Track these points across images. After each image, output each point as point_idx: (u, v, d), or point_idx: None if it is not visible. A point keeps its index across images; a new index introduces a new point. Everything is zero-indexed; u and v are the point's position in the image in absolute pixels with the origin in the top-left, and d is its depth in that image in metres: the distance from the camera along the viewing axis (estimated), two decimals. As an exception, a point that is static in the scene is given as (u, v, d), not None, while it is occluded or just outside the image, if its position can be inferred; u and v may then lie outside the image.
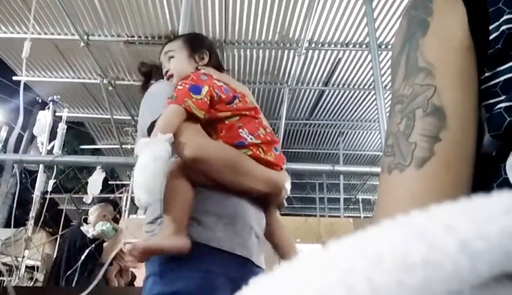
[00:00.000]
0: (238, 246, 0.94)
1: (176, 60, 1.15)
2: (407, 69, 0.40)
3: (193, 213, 0.92)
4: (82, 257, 2.55)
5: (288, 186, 1.07)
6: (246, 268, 0.96)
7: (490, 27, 0.38)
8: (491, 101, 0.37)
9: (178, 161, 0.95)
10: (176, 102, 0.95)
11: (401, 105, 0.38)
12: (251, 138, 0.98)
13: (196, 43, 1.20)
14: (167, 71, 1.14)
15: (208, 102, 0.98)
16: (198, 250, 0.89)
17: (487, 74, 0.38)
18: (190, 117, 0.95)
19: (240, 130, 0.99)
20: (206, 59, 1.17)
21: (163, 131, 0.89)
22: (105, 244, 2.69)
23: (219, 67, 1.21)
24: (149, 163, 0.84)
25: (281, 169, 1.06)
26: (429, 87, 0.37)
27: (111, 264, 2.69)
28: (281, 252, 1.07)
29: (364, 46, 4.00)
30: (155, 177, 0.83)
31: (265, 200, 1.04)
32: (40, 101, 4.89)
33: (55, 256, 2.94)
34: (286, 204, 1.11)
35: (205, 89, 0.99)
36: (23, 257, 3.25)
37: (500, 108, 0.35)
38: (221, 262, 0.91)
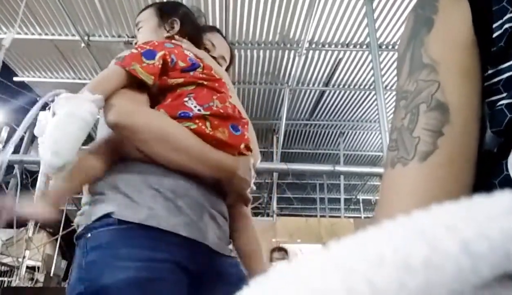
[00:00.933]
0: (184, 226, 0.77)
1: (144, 31, 1.06)
2: (412, 65, 0.41)
3: (124, 188, 0.79)
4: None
5: (246, 174, 0.88)
6: (202, 256, 0.80)
7: (494, 25, 0.38)
8: (493, 98, 0.37)
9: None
10: (121, 65, 0.82)
11: (406, 100, 0.39)
12: (198, 110, 0.83)
13: (165, 11, 1.08)
14: (135, 44, 1.04)
15: (160, 66, 0.84)
16: (120, 231, 0.73)
17: (490, 71, 0.38)
18: (136, 83, 0.83)
19: (186, 99, 0.84)
20: (177, 27, 1.05)
21: (92, 90, 0.77)
22: None
23: (196, 40, 1.09)
24: (65, 120, 0.73)
25: (241, 153, 0.89)
26: (433, 83, 0.38)
27: None
28: (242, 258, 0.94)
29: (364, 46, 4.00)
30: (67, 137, 0.72)
31: (219, 188, 0.88)
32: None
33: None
34: (250, 199, 0.96)
35: (159, 54, 0.86)
36: (24, 257, 3.25)
37: (501, 105, 0.36)
38: (158, 244, 0.74)
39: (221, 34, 1.27)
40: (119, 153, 0.83)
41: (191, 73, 0.89)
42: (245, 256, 0.95)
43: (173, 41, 1.01)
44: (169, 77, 0.87)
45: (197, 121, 0.82)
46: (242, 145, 0.89)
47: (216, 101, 0.87)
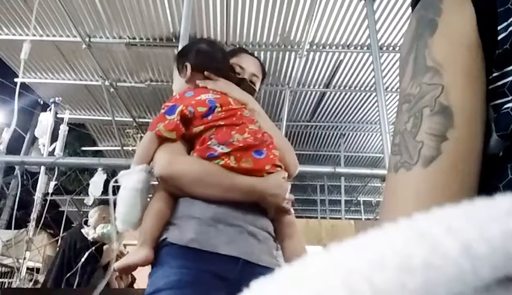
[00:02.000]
0: (223, 244, 0.93)
1: (174, 82, 1.21)
2: (415, 68, 0.40)
3: (173, 219, 0.97)
4: (82, 259, 2.55)
5: (276, 190, 1.01)
6: (241, 268, 0.94)
7: (499, 27, 0.37)
8: (498, 101, 0.37)
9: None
10: (150, 129, 1.02)
11: (409, 104, 0.38)
12: (221, 148, 0.97)
13: (180, 56, 1.21)
14: None
15: (179, 121, 1.00)
16: (171, 250, 0.93)
17: (495, 74, 0.38)
18: (168, 139, 1.01)
19: (209, 142, 0.99)
20: (187, 71, 1.15)
21: (138, 162, 1.00)
22: (105, 247, 2.69)
23: (219, 70, 1.17)
24: (123, 194, 0.98)
25: (269, 172, 1.01)
26: (436, 86, 0.37)
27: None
28: (287, 258, 1.04)
29: (365, 48, 4.01)
30: (128, 207, 0.97)
31: (258, 206, 1.02)
32: (41, 103, 4.90)
33: (54, 259, 2.93)
34: (289, 208, 1.07)
35: (178, 109, 1.01)
36: (24, 258, 3.25)
37: (507, 108, 0.35)
38: (199, 259, 0.91)
39: (247, 52, 1.34)
40: (175, 195, 1.01)
41: (209, 117, 1.02)
42: (288, 258, 1.02)
43: (191, 87, 1.13)
44: (194, 126, 1.02)
45: (223, 157, 0.97)
46: (268, 166, 1.01)
47: (236, 135, 1.00)
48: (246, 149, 0.99)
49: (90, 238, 2.69)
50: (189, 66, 1.15)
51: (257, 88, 1.30)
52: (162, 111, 1.03)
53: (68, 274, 2.53)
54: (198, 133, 1.02)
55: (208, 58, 1.18)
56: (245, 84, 1.23)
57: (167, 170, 0.98)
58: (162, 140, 1.01)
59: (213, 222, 0.95)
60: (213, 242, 0.93)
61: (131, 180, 0.97)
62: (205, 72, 1.15)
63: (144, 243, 0.95)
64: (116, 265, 0.97)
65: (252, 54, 1.34)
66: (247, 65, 1.28)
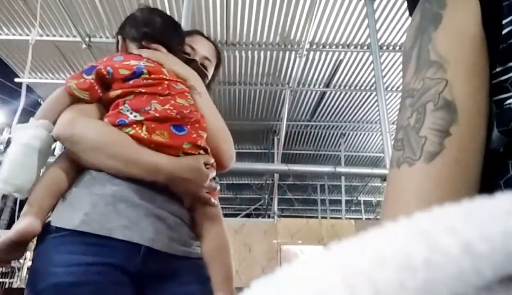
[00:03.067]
0: (121, 228, 0.78)
1: None
2: (419, 62, 0.39)
3: (67, 194, 0.82)
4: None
5: (188, 174, 0.86)
6: (144, 257, 0.79)
7: (504, 22, 0.37)
8: (501, 96, 0.36)
9: None
10: (64, 86, 0.88)
11: (412, 99, 0.38)
12: (134, 116, 0.84)
13: (116, 34, 1.11)
14: None
15: (93, 81, 0.87)
16: (55, 240, 0.76)
17: (498, 69, 0.37)
18: (81, 100, 0.87)
19: (122, 107, 0.86)
20: (119, 45, 1.07)
21: (39, 117, 0.85)
22: None
23: (160, 38, 1.05)
24: (12, 150, 0.80)
25: (187, 153, 0.88)
26: (440, 81, 0.37)
27: None
28: (206, 260, 0.90)
29: (365, 47, 4.01)
30: (15, 165, 0.79)
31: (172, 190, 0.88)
32: (42, 103, 4.90)
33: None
34: (209, 199, 0.92)
35: (95, 69, 0.89)
36: (25, 258, 3.25)
37: (509, 104, 0.35)
38: (90, 248, 0.75)
39: (203, 35, 1.24)
40: (78, 165, 0.86)
41: (131, 82, 0.89)
42: (206, 259, 0.90)
43: (124, 53, 1.02)
44: (112, 90, 0.89)
45: (134, 126, 0.84)
46: (187, 145, 0.87)
47: (155, 104, 0.87)
48: (163, 121, 0.85)
49: None
50: (120, 38, 1.06)
51: (209, 74, 1.18)
52: (81, 70, 0.91)
53: None
54: (114, 98, 0.88)
55: (143, 25, 1.05)
56: (193, 66, 1.10)
57: (65, 130, 0.83)
58: (74, 100, 0.87)
59: (113, 201, 0.80)
60: (109, 225, 0.77)
61: (25, 135, 0.80)
62: (143, 42, 1.03)
63: (26, 212, 0.78)
64: None
65: (208, 38, 1.23)
66: (200, 47, 1.17)
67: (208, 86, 1.15)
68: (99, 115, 0.88)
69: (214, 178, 0.95)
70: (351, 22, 3.69)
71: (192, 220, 0.92)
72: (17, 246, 0.76)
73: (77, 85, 0.86)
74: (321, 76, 4.51)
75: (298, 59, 4.03)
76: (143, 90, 0.88)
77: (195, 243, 0.91)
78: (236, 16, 3.62)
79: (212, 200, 0.93)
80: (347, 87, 4.73)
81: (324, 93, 4.85)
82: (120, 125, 0.84)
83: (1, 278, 5.75)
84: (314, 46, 4.00)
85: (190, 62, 1.11)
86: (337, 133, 5.96)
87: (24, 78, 3.38)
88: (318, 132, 5.95)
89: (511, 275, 0.16)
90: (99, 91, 0.88)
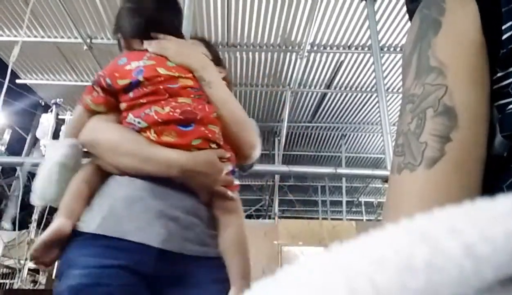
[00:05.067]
0: (135, 230, 0.80)
1: None
2: (419, 68, 0.39)
3: (93, 199, 0.86)
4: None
5: (201, 167, 0.87)
6: (157, 258, 0.80)
7: (503, 27, 0.37)
8: (503, 101, 0.37)
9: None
10: (80, 103, 0.94)
11: (412, 104, 0.38)
12: (139, 123, 0.87)
13: (113, 33, 1.09)
14: None
15: (102, 95, 0.91)
16: (76, 243, 0.81)
17: (499, 74, 0.37)
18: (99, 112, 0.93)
19: (128, 118, 0.89)
20: (121, 45, 1.05)
21: (67, 135, 0.93)
22: None
23: (161, 25, 1.02)
24: (43, 168, 0.89)
25: (198, 148, 0.88)
26: (440, 86, 0.37)
27: None
28: (224, 254, 0.90)
29: (366, 48, 4.01)
30: (45, 181, 0.87)
31: (189, 188, 0.89)
32: (43, 104, 4.91)
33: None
34: (226, 192, 0.91)
35: (98, 82, 0.92)
36: (26, 259, 3.25)
37: (511, 109, 0.35)
38: (105, 251, 0.78)
39: (206, 43, 1.21)
40: (102, 170, 0.90)
41: (131, 94, 0.90)
42: (224, 253, 0.89)
43: (127, 53, 0.99)
44: (120, 101, 0.92)
45: (143, 133, 0.87)
46: (197, 141, 0.87)
47: (155, 108, 0.88)
48: (167, 123, 0.86)
49: None
50: (120, 37, 1.04)
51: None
52: (92, 82, 0.94)
53: None
54: (123, 110, 0.92)
55: (133, 17, 1.02)
56: None
57: (87, 136, 0.90)
58: (93, 113, 0.93)
59: (127, 203, 0.82)
60: (124, 228, 0.80)
61: (56, 153, 0.89)
62: (141, 36, 1.00)
63: (58, 215, 0.83)
64: (31, 250, 0.84)
65: (209, 44, 1.23)
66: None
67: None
68: (117, 121, 0.92)
69: (233, 172, 0.94)
70: (352, 24, 3.69)
71: (211, 216, 0.92)
72: (51, 247, 0.81)
73: (92, 100, 0.92)
74: (322, 77, 4.51)
75: (299, 60, 4.03)
76: (143, 101, 0.90)
77: (214, 241, 0.90)
78: (237, 17, 3.62)
79: (229, 193, 0.92)
80: (348, 89, 4.73)
81: (325, 94, 4.84)
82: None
83: (2, 279, 5.75)
84: (315, 48, 4.00)
85: None
86: (338, 134, 5.95)
87: (22, 80, 3.38)
88: (319, 134, 5.95)
89: (513, 276, 0.16)
90: (112, 101, 0.92)
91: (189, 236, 0.85)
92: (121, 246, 0.78)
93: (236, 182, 0.95)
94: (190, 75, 0.95)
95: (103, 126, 0.91)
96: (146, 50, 0.97)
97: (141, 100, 0.89)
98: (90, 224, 0.81)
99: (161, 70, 0.93)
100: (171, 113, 0.87)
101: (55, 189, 0.87)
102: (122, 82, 0.90)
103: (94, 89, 0.92)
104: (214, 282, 0.86)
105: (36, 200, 0.88)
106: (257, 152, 1.01)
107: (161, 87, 0.90)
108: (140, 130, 0.87)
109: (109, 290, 0.75)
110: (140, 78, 0.90)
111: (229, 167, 0.92)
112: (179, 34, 1.06)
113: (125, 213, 0.81)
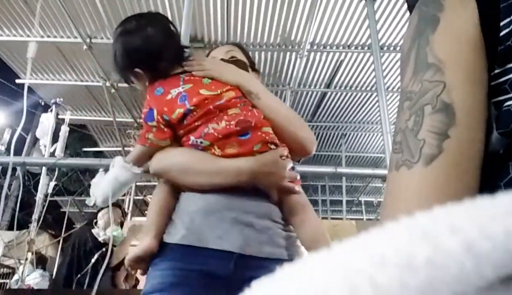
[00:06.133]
0: (214, 239, 0.89)
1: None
2: (417, 65, 0.39)
3: (173, 215, 0.98)
4: (93, 260, 2.58)
5: (267, 168, 0.93)
6: (236, 263, 0.88)
7: (502, 23, 0.37)
8: (500, 98, 0.36)
9: None
10: (141, 142, 1.02)
11: (410, 101, 0.38)
12: (201, 142, 0.94)
13: (123, 71, 1.06)
14: None
15: (166, 129, 0.98)
16: (163, 250, 0.94)
17: (497, 71, 0.37)
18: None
19: (190, 140, 0.96)
20: (140, 78, 1.04)
21: (131, 161, 1.03)
22: (115, 249, 2.73)
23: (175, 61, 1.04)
24: (113, 184, 1.02)
25: (260, 152, 0.94)
26: (438, 83, 0.37)
27: (118, 269, 2.73)
28: (305, 248, 0.96)
29: (366, 48, 4.00)
30: (111, 190, 1.01)
31: (259, 192, 0.95)
32: (43, 104, 4.91)
33: (64, 257, 2.97)
34: (292, 187, 0.97)
35: (154, 115, 0.97)
36: (26, 259, 3.25)
37: (508, 106, 0.35)
38: (188, 257, 0.89)
39: (242, 48, 1.27)
40: (176, 188, 1.00)
41: (185, 121, 0.96)
42: (305, 247, 0.96)
43: (159, 83, 1.01)
44: (176, 130, 0.99)
45: (207, 150, 0.94)
46: (257, 146, 0.94)
47: (212, 125, 0.94)
48: (228, 137, 0.93)
49: (100, 239, 2.74)
50: (139, 71, 1.02)
51: (241, 58, 1.19)
52: (143, 119, 1.01)
53: (79, 275, 2.56)
54: (182, 135, 0.99)
55: (149, 51, 1.01)
56: (237, 65, 1.10)
57: (157, 165, 1.00)
58: (157, 148, 1.00)
59: (205, 215, 0.92)
60: (204, 237, 0.90)
61: (119, 173, 1.02)
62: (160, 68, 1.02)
63: (146, 233, 0.96)
64: (126, 260, 0.99)
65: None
66: (213, 54, 1.21)
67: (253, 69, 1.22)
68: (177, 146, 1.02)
69: (292, 168, 0.99)
70: (351, 23, 3.69)
71: (282, 217, 0.97)
72: (142, 260, 0.94)
73: (156, 137, 0.98)
74: (321, 76, 4.51)
75: (298, 59, 4.03)
76: (198, 123, 0.96)
77: (286, 242, 0.95)
78: (236, 17, 3.62)
79: (296, 188, 0.98)
80: (347, 88, 4.72)
81: (325, 94, 4.84)
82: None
83: (1, 278, 5.76)
84: (315, 47, 4.00)
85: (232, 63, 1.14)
86: (338, 134, 5.95)
87: (26, 80, 3.38)
88: (319, 133, 5.94)
89: (513, 274, 0.16)
90: (172, 132, 0.99)
91: (264, 239, 0.92)
92: (203, 254, 0.88)
93: (298, 177, 1.01)
94: (228, 86, 1.01)
95: (172, 153, 0.99)
96: (177, 75, 1.02)
97: (196, 123, 0.96)
98: (175, 235, 0.92)
99: (204, 92, 0.98)
100: (228, 127, 0.94)
101: (113, 198, 1.03)
102: (176, 115, 0.96)
103: (151, 126, 0.98)
104: None
105: (101, 203, 1.04)
106: (314, 148, 1.08)
107: (211, 107, 0.96)
108: (204, 149, 0.94)
109: (190, 290, 0.86)
110: (190, 107, 0.96)
111: (290, 163, 0.98)
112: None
113: (204, 224, 0.91)
